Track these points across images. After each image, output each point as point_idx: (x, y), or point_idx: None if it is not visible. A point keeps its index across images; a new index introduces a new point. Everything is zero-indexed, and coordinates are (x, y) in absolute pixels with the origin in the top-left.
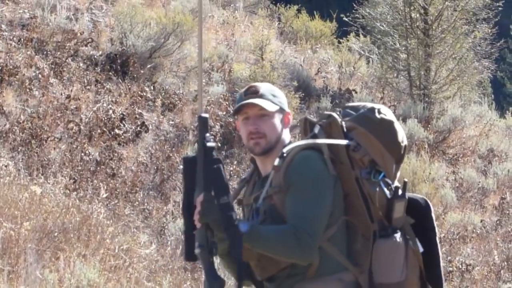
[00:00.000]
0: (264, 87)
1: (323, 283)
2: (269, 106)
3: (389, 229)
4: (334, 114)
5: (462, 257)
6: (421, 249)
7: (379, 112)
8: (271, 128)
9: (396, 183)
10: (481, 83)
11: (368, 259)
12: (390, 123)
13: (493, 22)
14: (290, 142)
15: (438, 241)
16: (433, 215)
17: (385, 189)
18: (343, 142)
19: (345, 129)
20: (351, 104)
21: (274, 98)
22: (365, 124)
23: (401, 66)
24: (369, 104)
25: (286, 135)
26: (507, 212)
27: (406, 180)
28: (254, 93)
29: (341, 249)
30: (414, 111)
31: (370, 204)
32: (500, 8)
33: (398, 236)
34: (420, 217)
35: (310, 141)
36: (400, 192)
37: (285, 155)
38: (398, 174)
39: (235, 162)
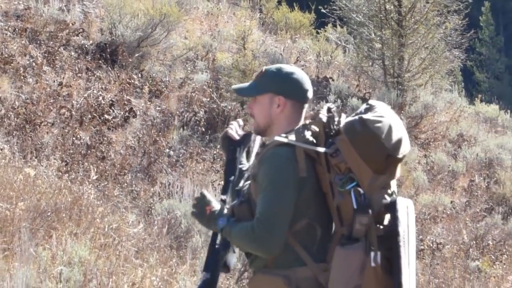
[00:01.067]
0: (270, 70)
1: (271, 276)
2: (249, 91)
3: (351, 237)
4: (322, 117)
5: (433, 236)
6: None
7: (364, 124)
8: (258, 111)
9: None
10: (452, 71)
11: (331, 260)
12: (373, 137)
13: (464, 13)
14: (291, 130)
15: (401, 246)
16: (399, 218)
17: (353, 199)
18: (320, 149)
19: (332, 132)
20: (370, 102)
21: (271, 81)
22: (348, 132)
23: (376, 55)
24: (369, 104)
25: (284, 120)
26: (476, 193)
27: (390, 198)
28: (258, 75)
29: (304, 245)
30: (388, 98)
31: (339, 208)
32: (470, 1)
33: (358, 245)
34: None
35: (285, 140)
36: (364, 207)
37: (266, 144)
38: (392, 181)
39: (218, 146)
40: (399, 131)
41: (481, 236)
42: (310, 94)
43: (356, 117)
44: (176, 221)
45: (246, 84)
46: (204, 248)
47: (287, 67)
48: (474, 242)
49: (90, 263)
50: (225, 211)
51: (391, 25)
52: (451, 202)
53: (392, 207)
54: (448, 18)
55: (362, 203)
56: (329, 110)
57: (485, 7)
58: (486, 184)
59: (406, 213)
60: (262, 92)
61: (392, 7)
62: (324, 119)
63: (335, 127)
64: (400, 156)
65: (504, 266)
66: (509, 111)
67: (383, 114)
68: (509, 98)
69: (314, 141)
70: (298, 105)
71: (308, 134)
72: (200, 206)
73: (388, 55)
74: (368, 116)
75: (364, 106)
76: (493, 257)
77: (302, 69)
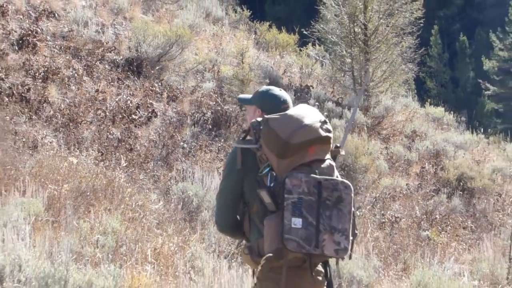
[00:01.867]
0: (261, 89)
1: (244, 250)
2: (243, 101)
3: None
4: (252, 124)
5: (392, 211)
6: None
7: (266, 123)
8: (248, 117)
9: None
10: (407, 81)
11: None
12: (270, 131)
13: (416, 35)
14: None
15: (286, 206)
16: (285, 189)
17: (268, 180)
18: (249, 146)
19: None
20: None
21: (253, 96)
22: (261, 132)
23: (347, 68)
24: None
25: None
26: (426, 178)
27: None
28: (255, 92)
29: (262, 221)
30: (357, 102)
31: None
32: (421, 24)
33: (273, 215)
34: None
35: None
36: (263, 185)
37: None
38: (310, 155)
39: (222, 140)
40: (296, 124)
41: (430, 211)
42: (284, 109)
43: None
44: (188, 199)
45: (247, 96)
46: (212, 221)
47: (273, 90)
48: (425, 216)
49: (120, 232)
50: None
51: (359, 44)
52: (406, 184)
53: (283, 183)
54: (404, 38)
55: (270, 183)
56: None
57: (434, 30)
58: (434, 170)
59: (310, 183)
60: (251, 104)
61: (359, 29)
62: (254, 124)
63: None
64: (295, 142)
65: (448, 235)
66: (452, 112)
67: (289, 112)
68: (452, 102)
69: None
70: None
71: (248, 136)
72: None
73: (356, 68)
74: (271, 116)
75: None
76: (439, 228)
77: (288, 79)
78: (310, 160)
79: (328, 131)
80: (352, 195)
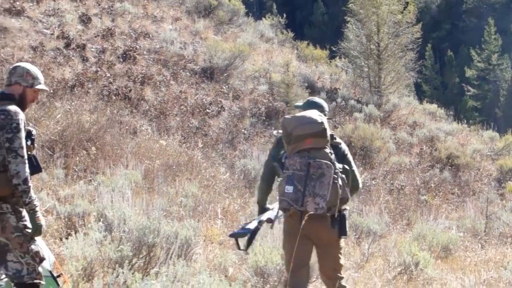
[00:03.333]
0: (307, 99)
1: None
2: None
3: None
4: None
5: (399, 181)
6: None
7: (282, 121)
8: None
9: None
10: (409, 85)
11: None
12: (282, 126)
13: (416, 50)
14: None
15: (284, 175)
16: (285, 165)
17: (283, 157)
18: (279, 134)
19: None
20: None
21: (307, 104)
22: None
23: (364, 75)
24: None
25: None
26: (424, 156)
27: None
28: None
29: None
30: (372, 100)
31: None
32: (419, 43)
33: (280, 182)
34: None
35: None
36: (284, 157)
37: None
38: (307, 144)
39: (272, 128)
40: (297, 123)
41: (427, 181)
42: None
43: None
44: (248, 171)
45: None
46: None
47: (312, 99)
48: (423, 184)
49: (198, 196)
50: None
51: (374, 57)
52: (409, 161)
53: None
54: (407, 53)
55: (283, 159)
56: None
57: (428, 47)
58: (430, 151)
59: (302, 163)
60: (303, 108)
61: (374, 46)
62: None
63: None
64: (295, 134)
65: (440, 199)
66: (442, 108)
67: (297, 114)
68: (443, 101)
69: None
70: None
71: None
72: None
73: (372, 75)
74: (286, 116)
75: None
76: (434, 193)
77: (321, 83)
78: (308, 147)
79: (321, 129)
80: (332, 172)
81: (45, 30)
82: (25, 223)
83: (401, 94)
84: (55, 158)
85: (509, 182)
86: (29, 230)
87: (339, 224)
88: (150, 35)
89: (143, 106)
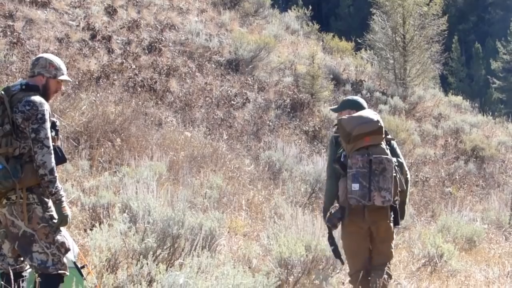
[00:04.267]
0: (345, 99)
1: None
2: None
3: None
4: (337, 121)
5: (423, 173)
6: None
7: (339, 121)
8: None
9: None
10: (434, 77)
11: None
12: (341, 126)
13: (441, 42)
14: None
15: (349, 173)
16: (349, 164)
17: (342, 156)
18: (336, 135)
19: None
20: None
21: (345, 104)
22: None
23: (390, 67)
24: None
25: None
26: (448, 148)
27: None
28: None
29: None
30: (398, 92)
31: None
32: (445, 35)
33: (342, 179)
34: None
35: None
36: (343, 156)
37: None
38: (366, 142)
39: (297, 120)
40: (356, 122)
41: (451, 173)
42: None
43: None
44: (273, 163)
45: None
46: (290, 179)
47: (350, 98)
48: (447, 176)
49: (222, 187)
50: None
51: (399, 49)
52: (434, 153)
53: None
54: (432, 45)
55: (342, 159)
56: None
57: (454, 39)
58: (455, 143)
59: (364, 161)
60: (343, 109)
61: (399, 38)
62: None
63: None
64: (355, 134)
65: (465, 191)
66: (468, 100)
67: (354, 115)
68: (468, 93)
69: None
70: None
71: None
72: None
73: (397, 67)
74: (343, 117)
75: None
76: (458, 185)
77: (346, 75)
78: (367, 145)
79: (378, 127)
80: (393, 166)
81: (71, 22)
82: (51, 213)
83: (427, 86)
84: (80, 150)
85: None
86: (55, 221)
87: (395, 215)
88: (176, 27)
89: (168, 97)
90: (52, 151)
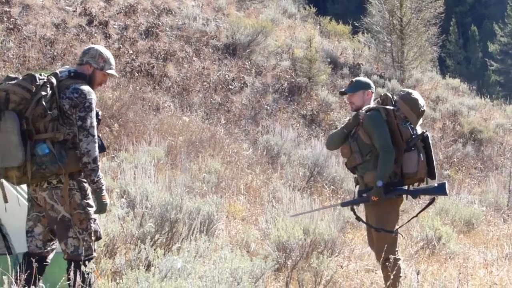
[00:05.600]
0: (356, 80)
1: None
2: (350, 90)
3: (410, 148)
4: (388, 94)
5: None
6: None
7: (411, 94)
8: (356, 99)
9: (418, 128)
10: (432, 59)
11: (400, 160)
12: (415, 99)
13: (439, 25)
14: (369, 105)
15: (432, 153)
16: (430, 140)
17: (410, 129)
18: (391, 107)
19: (393, 101)
20: (401, 90)
21: (358, 84)
22: (404, 99)
23: (387, 50)
24: (407, 90)
25: (370, 100)
26: (446, 131)
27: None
28: (349, 84)
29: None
30: (395, 75)
31: (402, 135)
32: (442, 17)
33: (414, 151)
34: (426, 141)
35: (374, 106)
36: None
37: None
38: (420, 122)
39: (295, 104)
40: (422, 100)
41: (450, 156)
42: (372, 87)
43: (405, 93)
44: (271, 147)
45: (345, 88)
46: (288, 163)
47: (362, 79)
48: (446, 159)
49: (221, 172)
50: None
51: (396, 32)
52: (432, 136)
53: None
54: (430, 28)
55: (413, 131)
56: (385, 95)
57: (452, 22)
58: (453, 125)
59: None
60: (357, 90)
61: (396, 21)
62: (390, 96)
63: (394, 99)
64: (423, 109)
65: (463, 174)
66: (465, 83)
67: (415, 92)
68: (466, 75)
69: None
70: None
71: (384, 103)
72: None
73: (394, 50)
74: (414, 91)
75: (402, 90)
76: (457, 168)
77: (344, 58)
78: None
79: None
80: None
81: (67, 7)
82: (88, 201)
83: (424, 69)
84: None
85: None
86: (92, 208)
87: None
88: (173, 12)
89: (166, 82)
90: (97, 140)
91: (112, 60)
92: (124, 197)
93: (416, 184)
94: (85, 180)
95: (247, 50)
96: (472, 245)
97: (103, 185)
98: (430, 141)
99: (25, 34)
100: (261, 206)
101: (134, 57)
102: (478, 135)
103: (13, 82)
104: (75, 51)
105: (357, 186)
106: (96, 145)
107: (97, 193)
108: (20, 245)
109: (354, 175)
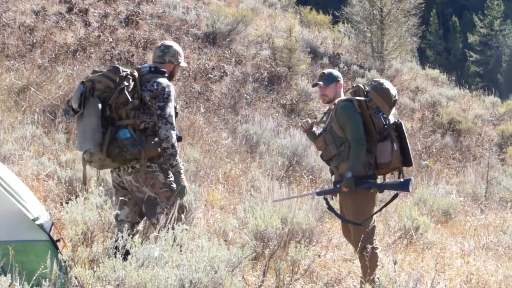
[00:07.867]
0: (328, 72)
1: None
2: (324, 82)
3: (383, 138)
4: (360, 85)
5: None
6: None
7: (382, 84)
8: (329, 91)
9: (391, 117)
10: (412, 50)
11: (374, 151)
12: (387, 89)
13: (419, 16)
14: (340, 97)
15: (406, 141)
16: (403, 128)
17: (382, 119)
18: (363, 98)
19: (365, 92)
20: (372, 80)
21: (331, 77)
22: (376, 89)
23: (367, 40)
24: (378, 80)
25: (342, 93)
26: (425, 121)
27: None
28: (321, 76)
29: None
30: (375, 66)
31: (375, 126)
32: (422, 8)
33: (388, 141)
34: (399, 130)
35: (347, 97)
36: (389, 122)
37: (335, 103)
38: (393, 111)
39: (275, 93)
40: (394, 89)
41: (428, 146)
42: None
43: (377, 83)
44: (250, 136)
45: (318, 80)
46: (267, 152)
47: (333, 71)
48: (424, 149)
49: (199, 160)
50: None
51: (376, 23)
52: (411, 126)
53: (395, 123)
54: (410, 18)
55: (385, 121)
56: (357, 86)
57: (432, 12)
58: (431, 116)
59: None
60: (331, 83)
61: (377, 12)
62: (362, 87)
63: (366, 89)
64: (395, 98)
65: (441, 164)
66: (445, 73)
67: (388, 82)
68: (445, 66)
69: (359, 97)
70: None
71: (356, 94)
72: None
73: (374, 40)
74: (385, 81)
75: (374, 81)
76: (435, 158)
77: (324, 48)
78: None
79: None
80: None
81: None
82: (171, 180)
83: (404, 59)
84: (57, 123)
85: (510, 147)
86: (174, 186)
87: None
88: (153, 0)
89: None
90: (175, 128)
91: (182, 53)
92: (102, 185)
93: (390, 174)
94: (165, 164)
95: (227, 39)
96: (450, 235)
97: (181, 169)
98: (404, 129)
99: (4, 21)
100: (240, 195)
101: (114, 45)
102: (456, 125)
103: (99, 73)
104: (55, 39)
105: (333, 176)
106: (174, 132)
107: (176, 176)
108: None
109: (330, 166)
